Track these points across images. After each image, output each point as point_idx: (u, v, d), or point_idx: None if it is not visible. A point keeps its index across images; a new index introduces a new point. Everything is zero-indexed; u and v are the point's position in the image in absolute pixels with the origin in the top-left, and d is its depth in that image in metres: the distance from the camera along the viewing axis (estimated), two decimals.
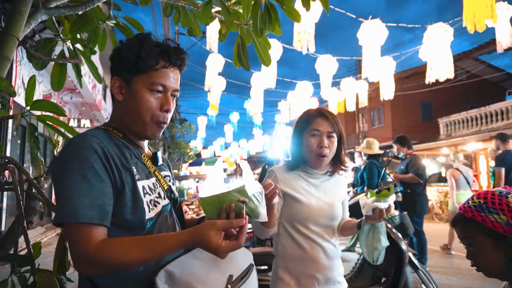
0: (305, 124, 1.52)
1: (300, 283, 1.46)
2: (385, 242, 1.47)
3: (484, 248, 0.97)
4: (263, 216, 1.02)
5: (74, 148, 0.89)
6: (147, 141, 1.12)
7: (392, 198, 1.43)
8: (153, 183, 1.02)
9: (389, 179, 4.38)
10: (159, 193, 1.02)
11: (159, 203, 1.01)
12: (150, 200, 0.98)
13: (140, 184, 0.96)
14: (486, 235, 0.96)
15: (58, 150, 1.53)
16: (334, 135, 1.50)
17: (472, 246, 1.00)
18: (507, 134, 5.19)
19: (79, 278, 0.96)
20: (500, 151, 5.06)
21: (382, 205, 1.40)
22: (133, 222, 0.93)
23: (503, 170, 4.88)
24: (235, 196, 0.97)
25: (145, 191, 0.97)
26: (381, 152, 4.77)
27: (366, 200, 1.45)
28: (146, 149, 1.11)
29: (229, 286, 0.91)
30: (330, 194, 1.55)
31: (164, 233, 0.91)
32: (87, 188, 0.85)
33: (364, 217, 1.49)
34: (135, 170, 0.97)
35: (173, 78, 1.03)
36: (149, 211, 0.96)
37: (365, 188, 4.46)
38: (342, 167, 1.60)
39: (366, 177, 4.52)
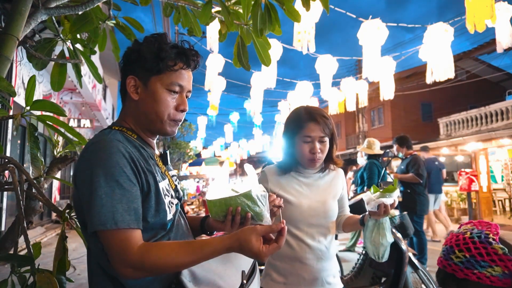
0: (297, 129, 1.50)
1: (287, 281, 1.47)
2: (390, 238, 1.45)
3: None
4: (267, 219, 1.04)
5: (102, 153, 0.88)
6: (155, 141, 1.13)
7: (396, 193, 1.41)
8: (167, 184, 1.03)
9: (389, 179, 4.39)
10: (171, 194, 1.03)
11: (173, 203, 1.02)
12: (169, 201, 0.99)
13: (160, 185, 0.97)
14: None
15: (58, 150, 1.53)
16: (326, 138, 1.49)
17: None
18: (427, 146, 7.26)
19: (93, 279, 0.95)
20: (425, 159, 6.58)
21: (388, 201, 1.39)
22: (156, 224, 0.94)
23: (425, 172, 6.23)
24: (241, 200, 1.00)
25: (164, 193, 0.98)
26: (382, 152, 4.77)
27: (371, 196, 1.43)
28: (156, 149, 1.12)
29: (244, 281, 0.93)
30: (324, 192, 1.55)
31: (205, 239, 0.92)
32: (121, 194, 0.85)
33: (367, 213, 1.47)
34: (155, 171, 0.98)
35: (188, 79, 1.05)
36: (169, 212, 0.97)
37: (365, 188, 4.48)
38: (333, 164, 1.60)
39: (366, 177, 4.53)
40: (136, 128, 1.03)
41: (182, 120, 1.07)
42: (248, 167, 1.18)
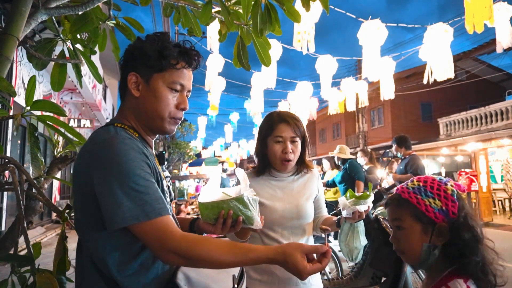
0: (269, 130, 1.54)
1: (262, 278, 1.49)
2: (364, 241, 1.51)
3: (411, 231, 0.97)
4: (258, 223, 1.06)
5: (118, 150, 0.88)
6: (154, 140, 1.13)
7: (370, 200, 1.46)
8: (165, 184, 1.04)
9: (389, 180, 4.43)
10: (167, 195, 1.05)
11: (169, 204, 1.03)
12: (168, 201, 1.00)
13: (163, 184, 0.99)
14: (416, 218, 0.96)
15: (58, 150, 1.53)
16: (297, 139, 1.53)
17: (400, 228, 1.00)
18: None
19: (85, 277, 0.94)
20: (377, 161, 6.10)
21: (362, 208, 1.43)
22: None
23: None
24: (233, 204, 1.02)
25: (165, 193, 1.00)
26: (353, 157, 5.22)
27: (346, 202, 1.47)
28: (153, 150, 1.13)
29: (235, 286, 0.94)
30: (298, 194, 1.57)
31: (251, 244, 0.93)
32: (145, 186, 0.87)
33: (343, 216, 1.51)
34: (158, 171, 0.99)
35: (189, 79, 1.06)
36: (170, 212, 0.98)
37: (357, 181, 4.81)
38: (306, 167, 1.63)
39: (354, 173, 4.87)
40: (137, 126, 1.03)
41: (182, 119, 1.07)
42: (239, 171, 1.20)
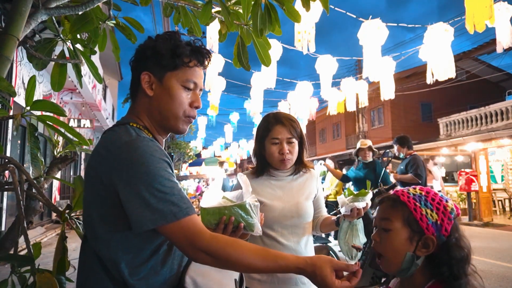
0: (265, 132, 1.57)
1: (262, 278, 1.50)
2: (363, 239, 1.51)
3: (397, 235, 0.95)
4: (258, 230, 1.07)
5: (142, 151, 0.88)
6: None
7: (369, 197, 1.46)
8: None
9: (390, 179, 4.40)
10: None
11: None
12: None
13: None
14: (407, 224, 0.95)
15: (58, 150, 1.53)
16: (294, 140, 1.55)
17: (386, 230, 0.98)
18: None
19: (89, 277, 0.93)
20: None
21: (360, 205, 1.44)
22: None
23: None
24: (235, 210, 1.03)
25: None
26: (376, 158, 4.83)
27: (344, 199, 1.48)
28: None
29: None
30: (297, 193, 1.59)
31: (280, 252, 0.94)
32: (171, 187, 0.88)
33: (342, 215, 1.52)
34: None
35: (201, 77, 1.07)
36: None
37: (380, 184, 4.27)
38: (305, 167, 1.64)
39: (383, 178, 4.36)
40: (150, 126, 1.03)
41: (195, 117, 1.07)
42: (241, 177, 1.20)
